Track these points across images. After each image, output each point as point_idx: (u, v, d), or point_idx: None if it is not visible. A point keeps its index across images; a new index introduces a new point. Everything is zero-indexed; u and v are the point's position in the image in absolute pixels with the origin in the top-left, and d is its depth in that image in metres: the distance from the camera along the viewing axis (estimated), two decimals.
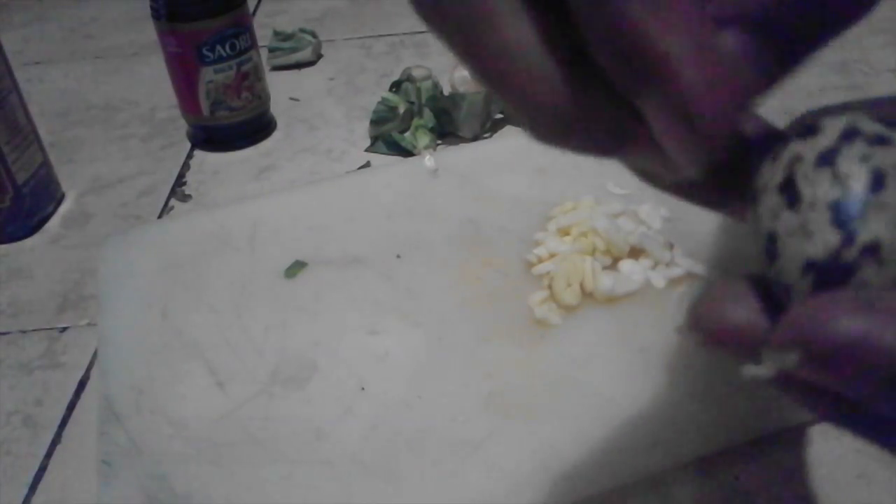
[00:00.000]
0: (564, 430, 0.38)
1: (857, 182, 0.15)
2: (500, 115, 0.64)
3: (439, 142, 0.63)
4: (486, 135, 0.64)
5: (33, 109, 0.59)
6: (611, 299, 0.44)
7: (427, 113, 0.63)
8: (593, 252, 0.46)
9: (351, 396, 0.40)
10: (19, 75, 0.58)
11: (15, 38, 0.90)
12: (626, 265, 0.46)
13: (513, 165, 0.56)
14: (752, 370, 0.15)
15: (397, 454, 0.37)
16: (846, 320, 0.14)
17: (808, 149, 0.16)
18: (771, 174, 0.16)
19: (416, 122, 0.63)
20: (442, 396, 0.40)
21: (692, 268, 0.45)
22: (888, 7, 0.81)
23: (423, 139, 0.62)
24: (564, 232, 0.48)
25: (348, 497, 0.36)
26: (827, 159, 0.15)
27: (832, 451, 0.38)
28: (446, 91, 0.66)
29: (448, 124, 0.62)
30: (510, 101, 0.17)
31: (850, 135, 0.15)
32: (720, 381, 0.39)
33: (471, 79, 0.65)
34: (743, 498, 0.36)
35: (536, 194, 0.53)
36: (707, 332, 0.16)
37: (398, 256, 0.49)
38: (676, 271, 0.45)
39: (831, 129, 0.16)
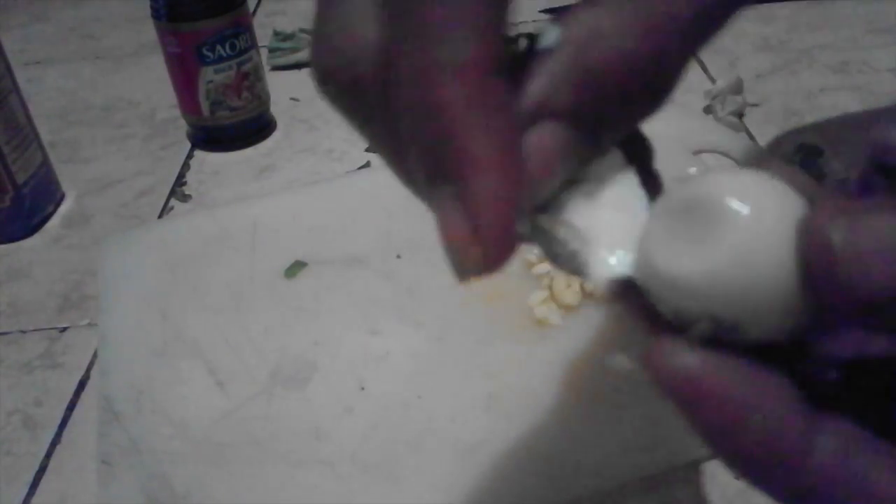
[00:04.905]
0: (564, 429, 0.38)
1: None
2: None
3: None
4: None
5: (33, 109, 0.59)
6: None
7: None
8: None
9: (351, 396, 0.40)
10: (19, 75, 0.58)
11: (15, 38, 0.90)
12: None
13: None
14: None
15: (397, 454, 0.37)
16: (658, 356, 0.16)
17: None
18: None
19: None
20: (442, 396, 0.40)
21: None
22: (888, 7, 0.81)
23: None
24: None
25: (348, 497, 0.36)
26: None
27: None
28: None
29: None
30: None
31: None
32: None
33: None
34: (743, 498, 0.36)
35: None
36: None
37: (398, 256, 0.49)
38: None
39: None
